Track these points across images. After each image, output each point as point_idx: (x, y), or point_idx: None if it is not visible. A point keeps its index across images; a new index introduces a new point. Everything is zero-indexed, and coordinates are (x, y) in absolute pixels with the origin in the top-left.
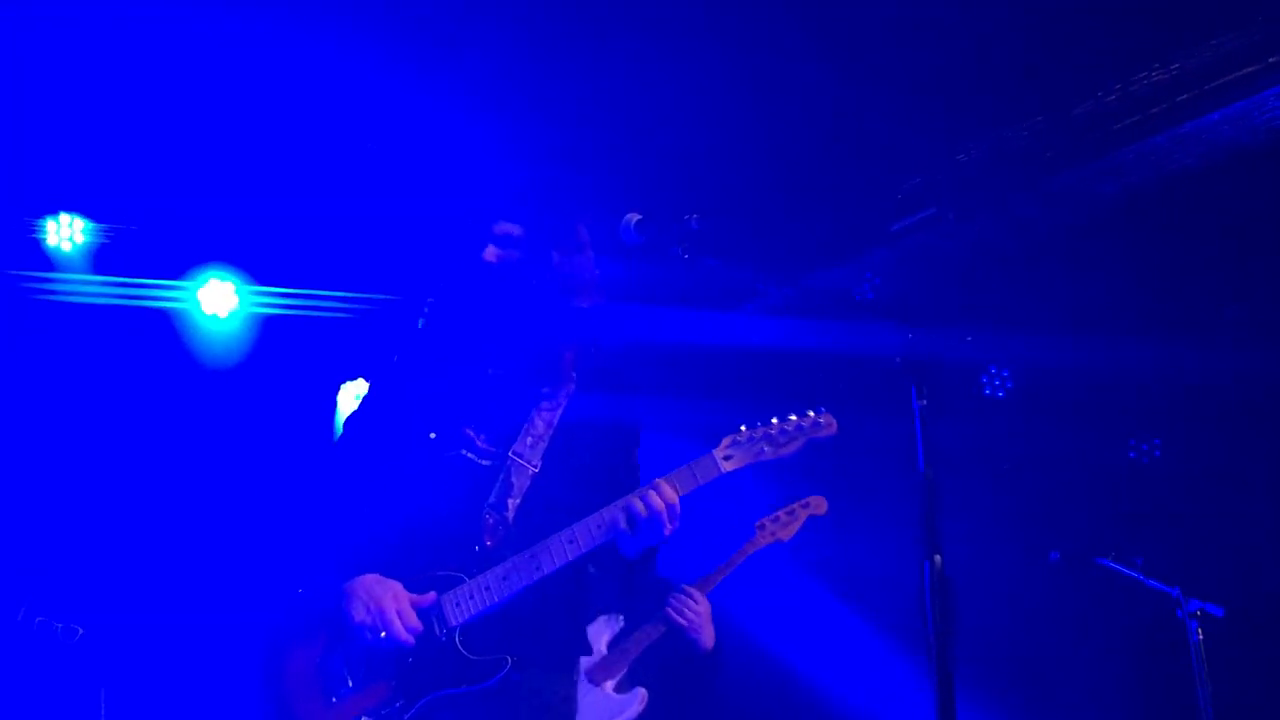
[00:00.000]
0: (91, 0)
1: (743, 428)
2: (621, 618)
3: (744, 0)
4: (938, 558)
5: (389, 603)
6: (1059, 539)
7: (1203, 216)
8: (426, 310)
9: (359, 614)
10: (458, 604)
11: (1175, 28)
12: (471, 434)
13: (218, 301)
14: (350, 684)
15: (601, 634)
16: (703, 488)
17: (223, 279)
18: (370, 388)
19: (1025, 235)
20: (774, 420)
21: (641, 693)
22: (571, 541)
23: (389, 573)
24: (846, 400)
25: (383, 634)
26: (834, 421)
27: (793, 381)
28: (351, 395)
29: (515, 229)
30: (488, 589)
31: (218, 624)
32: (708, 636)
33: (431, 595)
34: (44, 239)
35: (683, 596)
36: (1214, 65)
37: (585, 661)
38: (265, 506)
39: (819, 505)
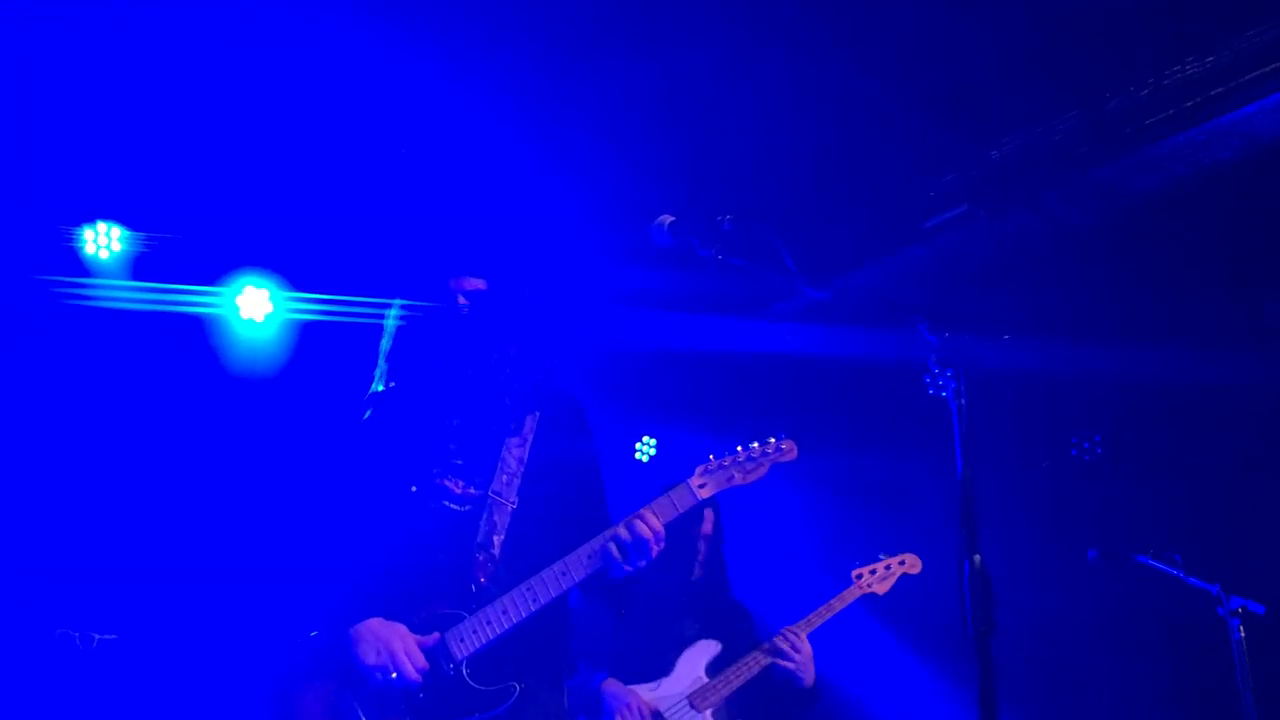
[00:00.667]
0: (128, 10)
1: (711, 457)
2: (718, 644)
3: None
4: (977, 557)
5: (397, 644)
6: (1097, 538)
7: (1241, 211)
8: (386, 368)
9: (369, 657)
10: (461, 639)
11: (1209, 20)
12: (450, 484)
13: (254, 307)
14: None
15: (700, 659)
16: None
17: (259, 285)
18: (341, 444)
19: (1059, 231)
20: (739, 449)
21: None
22: (564, 574)
23: (391, 617)
24: (882, 404)
25: (393, 674)
26: (794, 447)
27: (824, 385)
28: None
29: (480, 283)
30: (489, 623)
31: (227, 660)
32: (809, 675)
33: (435, 635)
34: (81, 247)
35: (792, 637)
36: (1248, 58)
37: (686, 686)
38: (286, 535)
39: (914, 564)
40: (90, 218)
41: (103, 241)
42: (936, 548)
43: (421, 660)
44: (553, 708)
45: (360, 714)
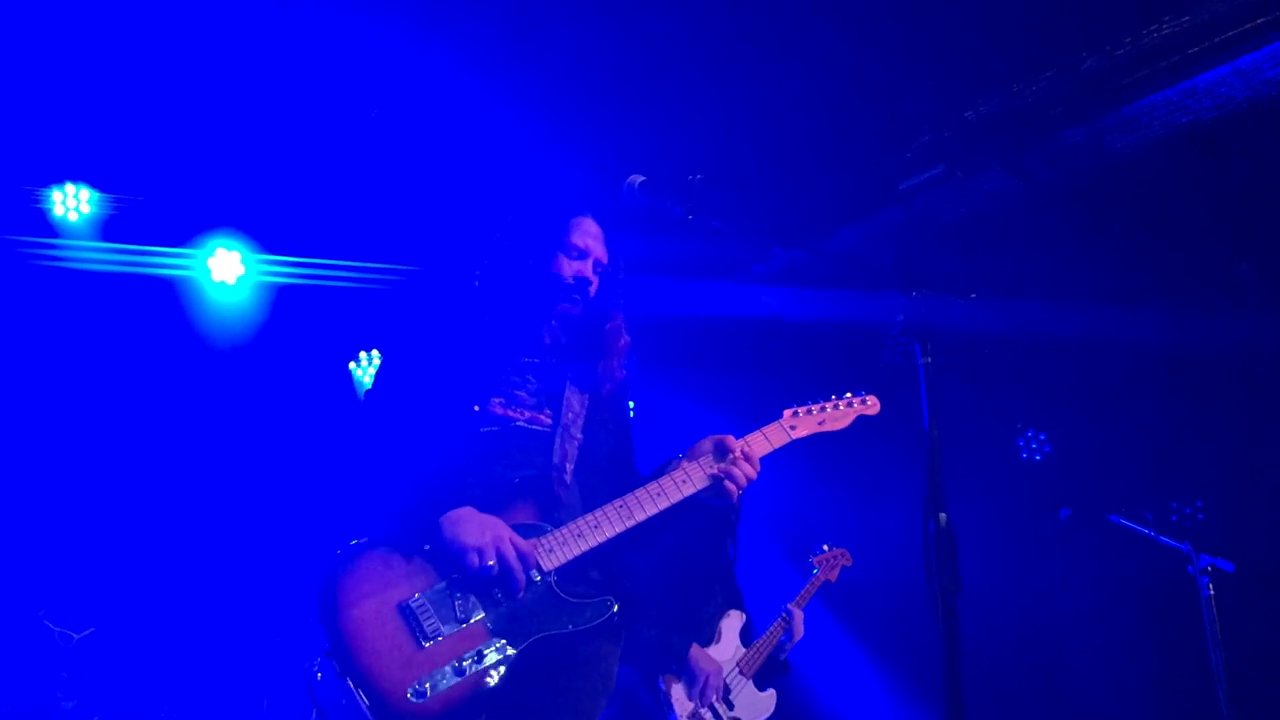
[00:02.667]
0: None
1: (807, 404)
2: (743, 614)
3: None
4: (942, 516)
5: (503, 532)
6: (1069, 496)
7: (1216, 171)
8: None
9: (471, 536)
10: (550, 550)
11: None
12: (523, 412)
13: (225, 270)
14: (441, 627)
15: (734, 628)
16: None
17: (230, 247)
18: (410, 358)
19: (1035, 192)
20: (833, 397)
21: (773, 692)
22: (660, 494)
23: (451, 506)
24: (855, 366)
25: (491, 563)
26: (878, 402)
27: (800, 347)
28: (366, 366)
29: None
30: (580, 536)
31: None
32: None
33: (533, 541)
34: (50, 209)
35: (797, 611)
36: (1224, 18)
37: (731, 654)
38: (280, 476)
39: (847, 558)
40: (59, 179)
41: (71, 203)
42: (909, 509)
43: (527, 549)
44: (648, 633)
45: (437, 621)
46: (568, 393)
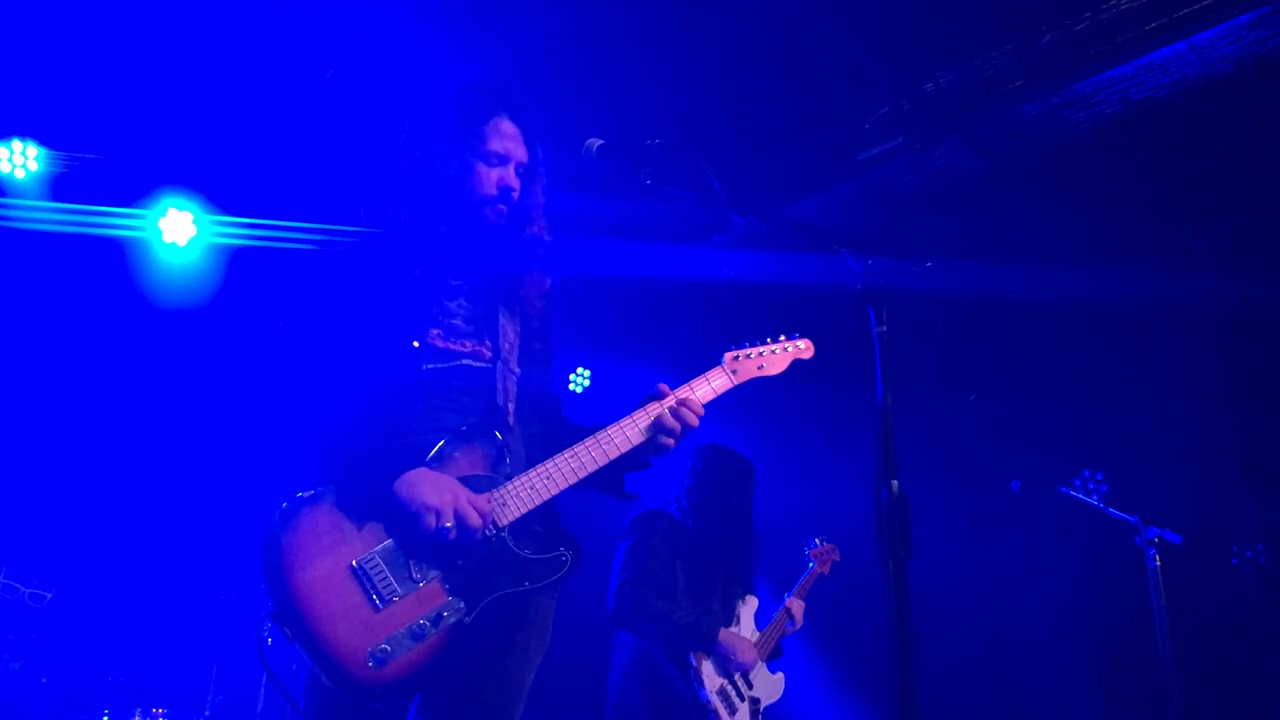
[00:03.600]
0: None
1: (745, 346)
2: (755, 598)
3: None
4: (894, 483)
5: (460, 494)
6: (1020, 468)
7: (1171, 147)
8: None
9: (429, 496)
10: (504, 505)
11: None
12: (460, 343)
13: (176, 231)
14: (396, 588)
15: (749, 611)
16: None
17: (181, 208)
18: (336, 301)
19: (992, 165)
20: (769, 340)
21: (782, 674)
22: (609, 443)
23: (405, 466)
24: (814, 331)
25: (449, 524)
26: (811, 345)
27: (760, 313)
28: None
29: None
30: (533, 489)
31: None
32: None
33: (486, 496)
34: None
35: (799, 601)
36: None
37: (749, 635)
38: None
39: (835, 553)
40: (5, 135)
41: (19, 160)
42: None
43: (485, 509)
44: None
45: (392, 583)
46: (501, 319)
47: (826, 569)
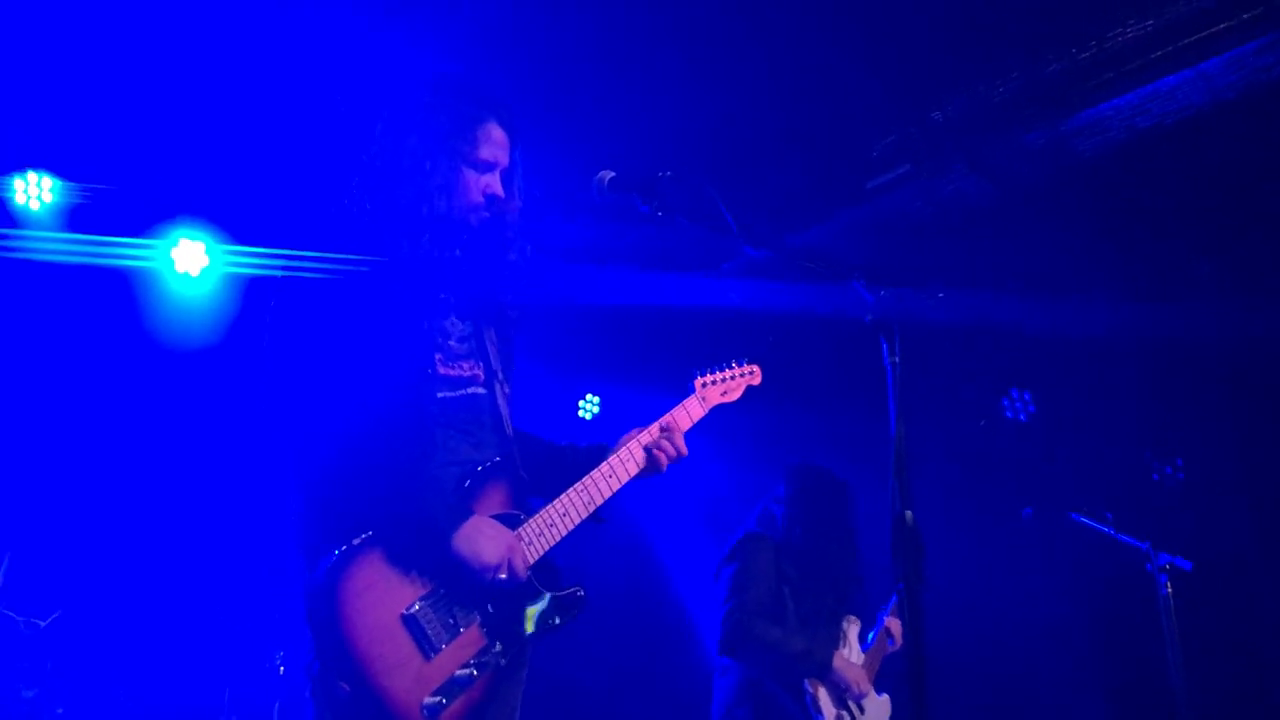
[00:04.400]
0: None
1: (707, 374)
2: (858, 619)
3: None
4: (908, 514)
5: (515, 546)
6: (1032, 496)
7: (1176, 173)
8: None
9: (488, 554)
10: (530, 544)
11: None
12: (455, 367)
13: (189, 261)
14: (443, 635)
15: (854, 632)
16: None
17: (194, 238)
18: (333, 330)
19: (1000, 192)
20: (733, 364)
21: (888, 697)
22: (611, 475)
23: (457, 514)
24: (824, 360)
25: (504, 576)
26: (759, 371)
27: (770, 341)
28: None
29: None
30: (552, 525)
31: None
32: None
33: (518, 536)
34: (11, 197)
35: (897, 620)
36: (1187, 22)
37: (857, 657)
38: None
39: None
40: (20, 167)
41: (34, 192)
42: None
43: (528, 562)
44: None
45: (442, 631)
46: (486, 335)
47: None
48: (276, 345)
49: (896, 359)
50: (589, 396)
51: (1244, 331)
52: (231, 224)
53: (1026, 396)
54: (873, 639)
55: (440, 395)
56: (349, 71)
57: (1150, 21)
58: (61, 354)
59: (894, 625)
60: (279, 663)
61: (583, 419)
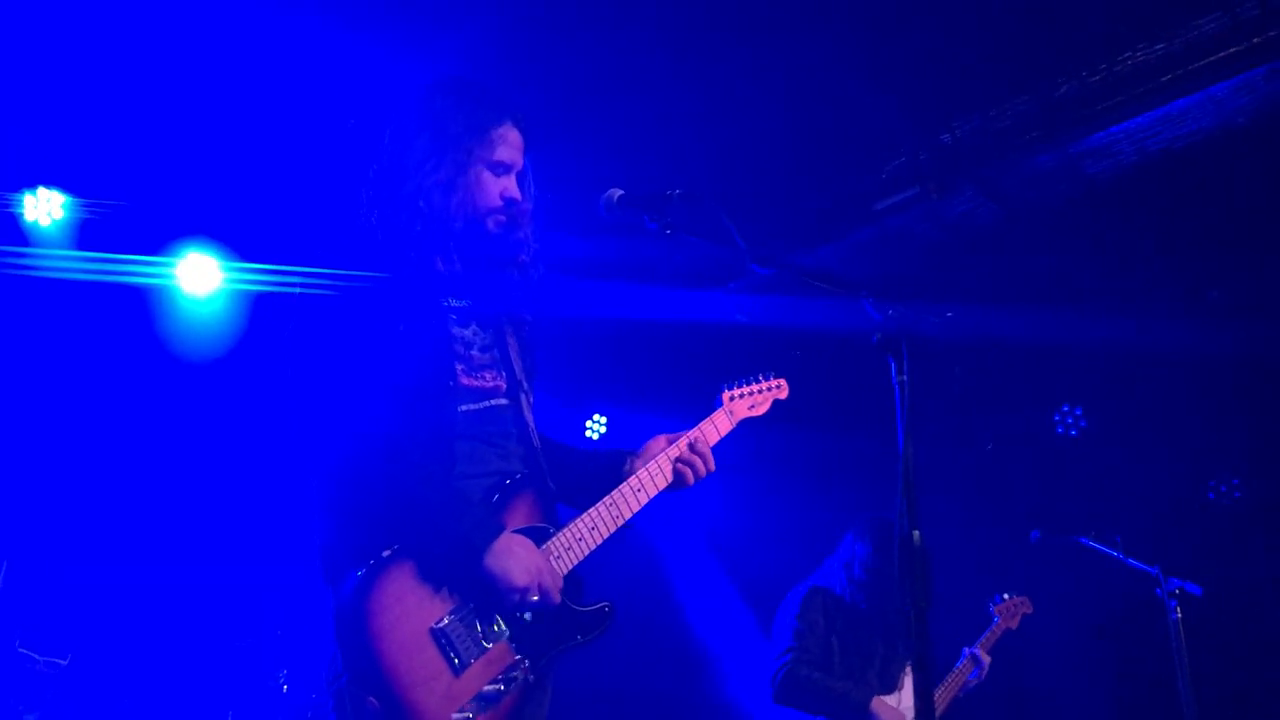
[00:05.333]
0: None
1: (735, 388)
2: None
3: None
4: (916, 533)
5: (545, 565)
6: (1040, 518)
7: (1188, 196)
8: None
9: (519, 576)
10: (558, 558)
11: (1160, 8)
12: (478, 379)
13: (199, 278)
14: (473, 650)
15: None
16: None
17: (204, 254)
18: (365, 346)
19: (1009, 214)
20: (760, 377)
21: None
22: (640, 490)
23: (488, 530)
24: (833, 378)
25: (535, 597)
26: (786, 385)
27: (778, 360)
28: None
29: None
30: (580, 539)
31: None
32: None
33: (547, 553)
34: (22, 214)
35: (982, 654)
36: (1197, 46)
37: (912, 701)
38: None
39: (1028, 605)
40: (31, 183)
41: (44, 208)
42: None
43: (560, 580)
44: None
45: (470, 646)
46: (508, 340)
47: (1014, 623)
48: (297, 360)
49: (904, 377)
50: (596, 416)
51: (1254, 351)
52: (242, 240)
53: (1078, 412)
54: (956, 667)
55: (463, 409)
56: (355, 86)
57: (1160, 45)
58: (71, 370)
59: (983, 657)
60: (282, 681)
61: (590, 439)
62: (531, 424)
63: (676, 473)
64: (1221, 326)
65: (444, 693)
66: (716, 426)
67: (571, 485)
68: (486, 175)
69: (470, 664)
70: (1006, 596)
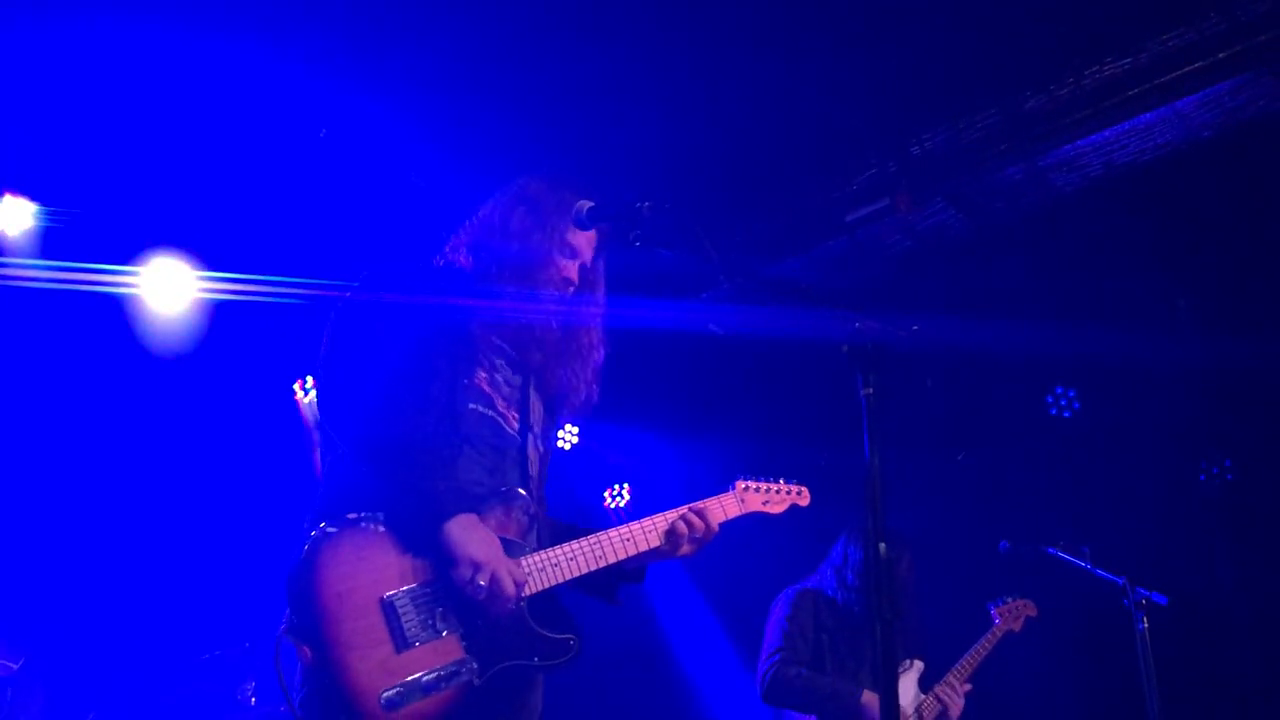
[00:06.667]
0: None
1: (753, 481)
2: (922, 663)
3: None
4: (882, 545)
5: (504, 558)
6: (1008, 528)
7: (1155, 208)
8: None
9: (475, 553)
10: (530, 575)
11: (1127, 23)
12: (498, 411)
13: (167, 287)
14: (420, 633)
15: (913, 676)
16: None
17: (172, 264)
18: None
19: (978, 226)
20: (781, 480)
21: None
22: (629, 540)
23: (460, 501)
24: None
25: (483, 583)
26: (808, 493)
27: (748, 370)
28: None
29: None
30: (556, 565)
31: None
32: None
33: (519, 563)
34: None
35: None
36: (1164, 60)
37: (911, 700)
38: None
39: (1031, 608)
40: None
41: (11, 217)
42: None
43: (518, 587)
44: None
45: (417, 627)
46: (531, 395)
47: (1018, 626)
48: (335, 337)
49: (871, 390)
50: (567, 426)
51: (1221, 361)
52: (208, 250)
53: (1071, 394)
54: (940, 681)
55: (470, 406)
56: (320, 95)
57: (1127, 60)
58: (35, 378)
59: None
60: (250, 693)
61: (560, 449)
62: (535, 462)
63: (673, 534)
64: (1189, 338)
65: (379, 663)
66: (724, 507)
67: (562, 534)
68: (557, 254)
69: (415, 645)
70: (1009, 599)
